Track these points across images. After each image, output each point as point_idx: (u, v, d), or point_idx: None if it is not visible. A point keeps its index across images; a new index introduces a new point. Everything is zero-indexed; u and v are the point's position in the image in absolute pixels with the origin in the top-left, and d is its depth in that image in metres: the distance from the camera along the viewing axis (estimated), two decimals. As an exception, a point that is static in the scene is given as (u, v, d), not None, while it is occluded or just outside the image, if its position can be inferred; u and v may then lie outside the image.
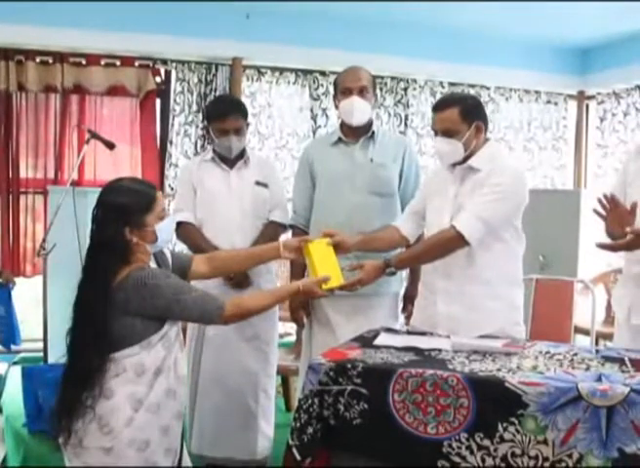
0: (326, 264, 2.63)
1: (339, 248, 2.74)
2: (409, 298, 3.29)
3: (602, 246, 2.61)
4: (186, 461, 2.51)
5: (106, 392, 2.16)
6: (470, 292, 2.68)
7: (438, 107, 2.75)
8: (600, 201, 2.65)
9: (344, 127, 3.26)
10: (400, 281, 3.32)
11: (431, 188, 2.89)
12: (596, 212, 2.67)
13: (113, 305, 2.17)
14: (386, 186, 3.20)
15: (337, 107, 3.27)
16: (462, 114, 2.68)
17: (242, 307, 2.35)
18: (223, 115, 3.32)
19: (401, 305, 3.35)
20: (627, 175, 2.85)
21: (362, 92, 3.16)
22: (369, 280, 2.75)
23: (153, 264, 2.36)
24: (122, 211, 2.24)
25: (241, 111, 3.39)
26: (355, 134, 3.23)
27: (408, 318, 3.21)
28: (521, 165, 5.67)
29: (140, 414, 2.18)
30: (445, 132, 2.70)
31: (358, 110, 3.15)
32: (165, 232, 2.33)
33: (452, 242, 2.62)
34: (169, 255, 2.48)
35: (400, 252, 2.97)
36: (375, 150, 3.22)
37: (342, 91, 3.19)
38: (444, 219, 2.71)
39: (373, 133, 3.24)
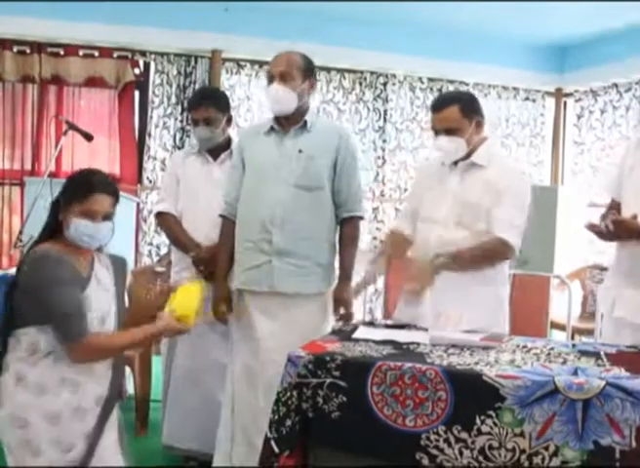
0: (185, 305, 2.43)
1: None
2: (338, 300, 3.00)
3: (591, 227, 2.58)
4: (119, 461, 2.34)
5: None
6: (459, 290, 2.67)
7: (438, 107, 2.74)
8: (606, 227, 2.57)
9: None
10: (325, 281, 3.02)
11: (424, 185, 2.90)
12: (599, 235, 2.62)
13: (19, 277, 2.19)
14: (315, 180, 2.94)
15: None
16: (463, 111, 2.71)
17: (100, 345, 2.21)
18: (195, 104, 3.34)
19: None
20: (624, 169, 2.85)
21: (284, 77, 2.90)
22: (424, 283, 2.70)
23: (107, 263, 2.34)
24: (67, 185, 2.26)
25: (213, 102, 3.33)
26: (286, 123, 2.98)
27: (340, 320, 2.99)
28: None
29: (19, 391, 2.15)
30: (448, 130, 2.71)
31: (277, 98, 2.91)
32: (85, 234, 2.22)
33: (501, 255, 2.68)
34: (128, 271, 2.46)
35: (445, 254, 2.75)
36: (305, 141, 2.97)
37: (268, 77, 3.00)
38: (441, 212, 2.73)
39: (305, 122, 2.99)
